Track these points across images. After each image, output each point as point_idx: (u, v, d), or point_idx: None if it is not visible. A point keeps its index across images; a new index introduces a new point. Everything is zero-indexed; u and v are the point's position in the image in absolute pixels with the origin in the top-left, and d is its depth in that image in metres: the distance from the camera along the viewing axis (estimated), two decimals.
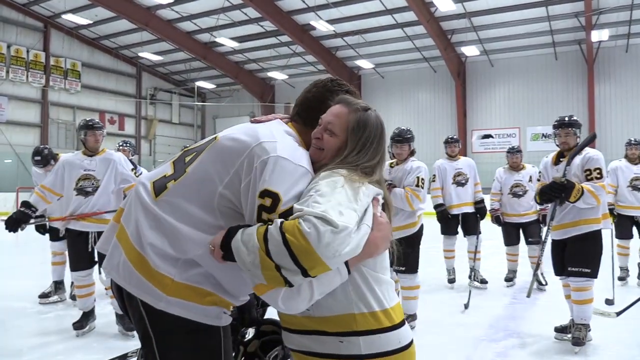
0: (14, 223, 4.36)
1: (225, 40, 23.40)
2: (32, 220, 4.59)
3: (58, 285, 5.92)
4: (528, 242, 6.63)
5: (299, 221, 1.34)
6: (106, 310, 5.03)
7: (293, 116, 1.86)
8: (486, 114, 24.64)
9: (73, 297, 5.54)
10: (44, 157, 6.13)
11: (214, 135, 1.80)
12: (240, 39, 23.67)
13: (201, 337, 1.64)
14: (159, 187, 1.71)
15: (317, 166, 1.63)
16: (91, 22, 23.33)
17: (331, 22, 21.05)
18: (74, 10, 22.26)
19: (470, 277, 6.62)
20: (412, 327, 4.66)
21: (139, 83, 29.34)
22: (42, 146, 6.46)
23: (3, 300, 5.81)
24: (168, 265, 1.60)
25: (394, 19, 20.87)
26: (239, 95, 29.91)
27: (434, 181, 6.80)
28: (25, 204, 4.51)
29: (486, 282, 6.57)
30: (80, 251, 4.56)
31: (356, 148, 1.60)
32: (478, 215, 6.69)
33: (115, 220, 1.82)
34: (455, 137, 7.14)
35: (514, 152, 6.89)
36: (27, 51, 23.92)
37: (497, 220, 6.82)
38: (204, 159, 1.69)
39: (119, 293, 1.72)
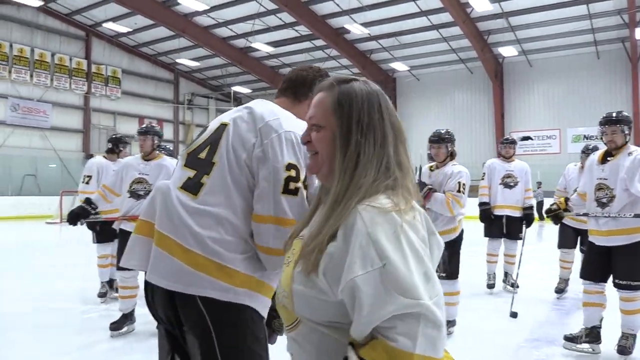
0: (75, 217, 4.62)
1: (261, 45, 23.66)
2: (91, 217, 4.82)
3: (111, 283, 6.10)
4: (582, 251, 6.13)
5: (389, 345, 0.99)
6: (140, 312, 5.12)
7: (283, 91, 1.99)
8: (525, 116, 24.15)
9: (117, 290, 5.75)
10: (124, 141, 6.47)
11: (219, 123, 1.84)
12: (275, 44, 23.88)
13: (258, 328, 1.69)
14: (193, 187, 1.73)
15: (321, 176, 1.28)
16: (131, 30, 23.97)
17: (366, 25, 21.03)
18: (114, 19, 22.91)
19: (503, 280, 6.47)
20: (450, 333, 4.60)
21: (176, 89, 29.92)
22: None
23: (48, 300, 5.98)
24: (234, 259, 1.65)
25: (429, 20, 20.70)
26: (274, 99, 30.10)
27: (482, 179, 6.66)
28: (87, 200, 4.80)
29: (517, 287, 6.25)
30: None
31: (351, 131, 1.18)
32: (524, 222, 6.37)
33: (141, 233, 1.80)
34: (511, 138, 6.93)
35: (589, 153, 6.33)
36: (70, 59, 24.73)
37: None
38: (224, 145, 1.75)
39: (163, 300, 1.70)
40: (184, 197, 1.71)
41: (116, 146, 6.36)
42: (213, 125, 1.85)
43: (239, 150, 1.72)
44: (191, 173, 1.76)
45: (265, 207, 1.66)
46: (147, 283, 1.74)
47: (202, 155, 1.78)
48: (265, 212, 1.66)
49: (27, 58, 23.12)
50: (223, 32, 23.91)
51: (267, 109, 1.81)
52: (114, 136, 6.52)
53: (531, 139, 23.96)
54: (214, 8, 21.11)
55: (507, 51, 21.75)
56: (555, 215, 4.50)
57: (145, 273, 1.74)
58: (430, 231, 1.15)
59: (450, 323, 4.65)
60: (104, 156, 6.52)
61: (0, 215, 19.03)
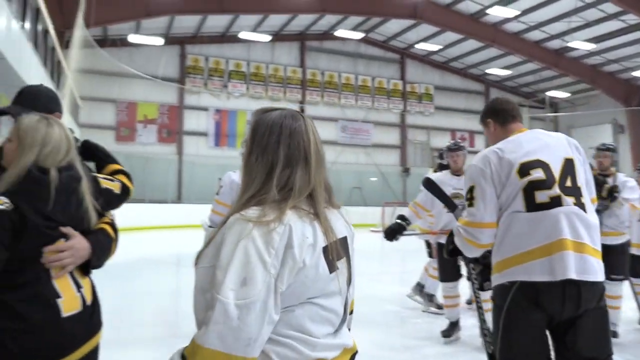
0: (392, 233, 4.86)
1: (579, 44, 21.62)
2: (405, 232, 5.05)
3: (430, 297, 6.19)
4: None
5: (194, 337, 1.20)
6: (468, 323, 5.13)
7: (518, 117, 2.71)
8: None
9: (439, 306, 5.85)
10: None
11: (563, 158, 2.35)
12: (597, 40, 21.52)
13: None
14: (583, 207, 2.28)
15: None
16: (441, 47, 24.84)
17: None
18: (425, 39, 24.17)
19: None
20: None
21: (487, 99, 29.56)
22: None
23: (368, 302, 6.51)
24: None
25: None
26: (597, 101, 27.11)
27: None
28: (401, 217, 5.03)
29: None
30: (449, 263, 4.78)
31: (252, 153, 1.35)
32: None
33: (557, 248, 2.16)
34: None
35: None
36: (388, 81, 27.02)
37: None
38: (581, 172, 2.37)
39: (576, 292, 2.13)
40: (583, 212, 2.28)
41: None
42: (554, 159, 2.34)
43: (586, 172, 2.40)
44: (572, 199, 2.26)
45: (594, 193, 2.45)
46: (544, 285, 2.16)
47: (568, 184, 2.29)
48: (594, 194, 2.44)
49: (352, 85, 26.21)
50: (535, 35, 22.69)
51: (567, 137, 2.50)
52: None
53: None
54: (524, 12, 20.24)
55: None
56: None
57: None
58: (289, 245, 1.22)
59: None
60: (434, 171, 6.35)
61: None
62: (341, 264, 1.34)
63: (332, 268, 1.30)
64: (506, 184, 2.29)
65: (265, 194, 1.29)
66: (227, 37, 23.38)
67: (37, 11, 10.05)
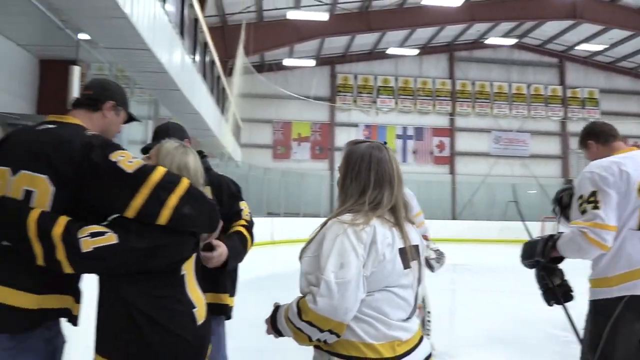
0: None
1: None
2: None
3: None
4: None
5: (305, 299, 1.61)
6: None
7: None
8: None
9: None
10: None
11: None
12: None
13: None
14: None
15: None
16: (606, 46, 22.81)
17: None
18: (587, 39, 22.37)
19: None
20: None
21: None
22: None
23: (538, 324, 6.15)
24: None
25: None
26: None
27: None
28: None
29: None
30: None
31: (347, 177, 1.74)
32: None
33: None
34: None
35: None
36: (545, 87, 25.45)
37: None
38: None
39: None
40: None
41: None
42: None
43: None
44: None
45: None
46: None
47: None
48: None
49: (505, 93, 25.11)
50: None
51: None
52: None
53: None
54: None
55: None
56: None
57: None
58: (373, 241, 1.60)
59: None
60: None
61: (488, 239, 20.93)
62: (414, 264, 1.69)
63: (406, 265, 1.66)
64: (624, 197, 2.43)
65: (358, 206, 1.67)
66: (375, 54, 23.83)
67: (205, 45, 11.16)
